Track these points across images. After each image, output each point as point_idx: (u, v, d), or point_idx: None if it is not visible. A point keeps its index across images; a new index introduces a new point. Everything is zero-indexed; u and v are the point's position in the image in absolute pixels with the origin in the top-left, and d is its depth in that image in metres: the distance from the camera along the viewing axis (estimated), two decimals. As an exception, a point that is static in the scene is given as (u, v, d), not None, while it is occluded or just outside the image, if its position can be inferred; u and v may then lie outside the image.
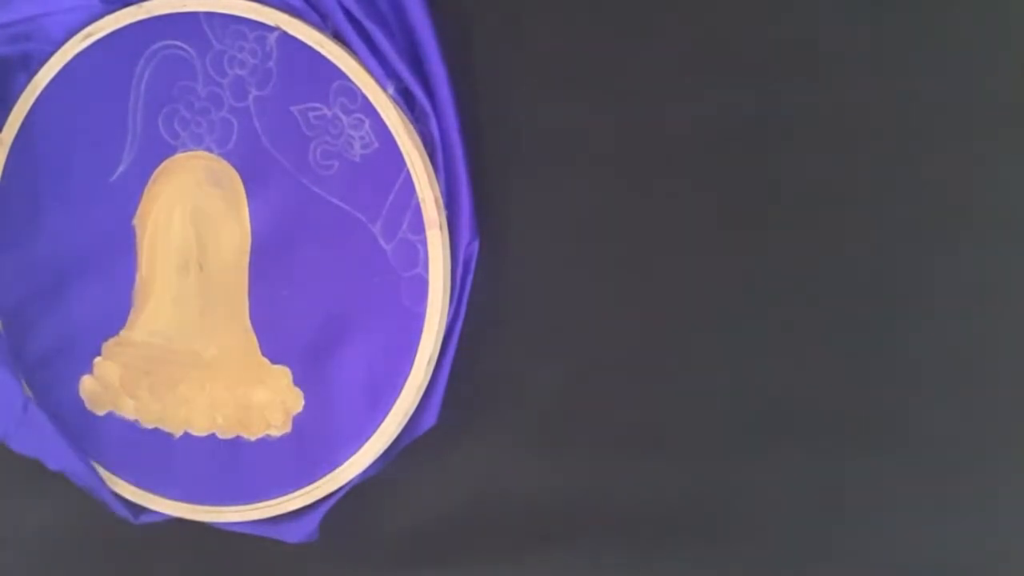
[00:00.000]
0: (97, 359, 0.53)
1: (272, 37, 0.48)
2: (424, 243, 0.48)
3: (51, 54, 0.51)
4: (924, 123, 0.44)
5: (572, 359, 0.49)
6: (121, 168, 0.51)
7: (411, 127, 0.48)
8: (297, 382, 0.50)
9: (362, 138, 0.48)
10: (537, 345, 0.50)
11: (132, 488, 0.53)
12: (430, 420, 0.50)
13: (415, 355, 0.48)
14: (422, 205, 0.47)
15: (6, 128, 0.52)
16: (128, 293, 0.52)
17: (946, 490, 0.46)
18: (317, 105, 0.48)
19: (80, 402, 0.53)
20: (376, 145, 0.48)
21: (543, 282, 0.49)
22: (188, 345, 0.52)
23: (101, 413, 0.53)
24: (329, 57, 0.48)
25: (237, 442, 0.52)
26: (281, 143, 0.49)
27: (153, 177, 0.51)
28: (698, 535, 0.49)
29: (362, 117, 0.48)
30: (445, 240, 0.48)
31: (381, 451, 0.50)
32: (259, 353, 0.51)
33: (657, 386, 0.48)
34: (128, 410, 0.53)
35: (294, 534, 0.52)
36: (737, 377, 0.47)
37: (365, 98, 0.47)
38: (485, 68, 0.49)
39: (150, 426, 0.53)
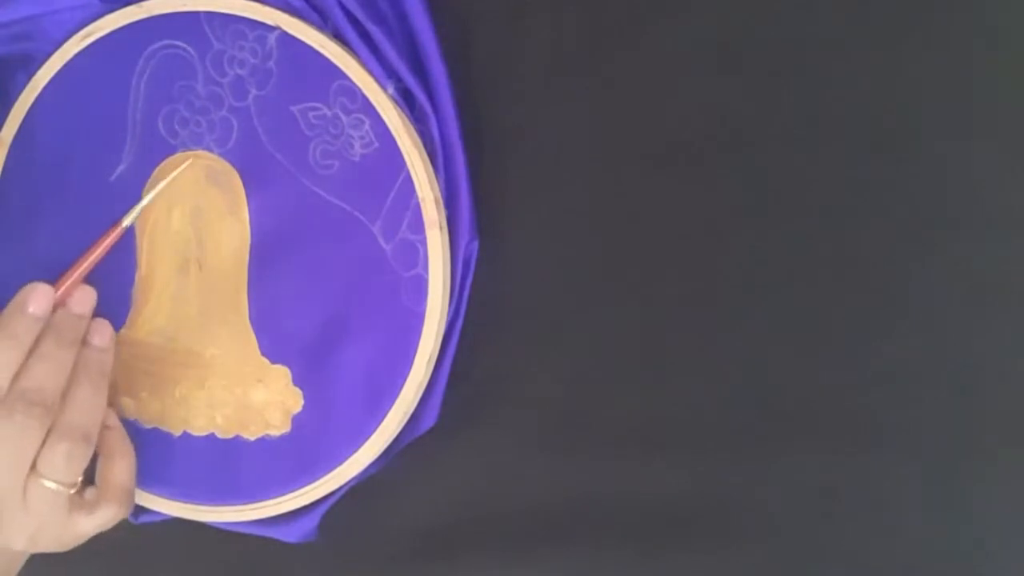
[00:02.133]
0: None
1: (272, 37, 0.48)
2: (424, 243, 0.48)
3: (51, 54, 0.51)
4: (923, 122, 0.44)
5: (572, 359, 0.49)
6: (121, 167, 0.51)
7: (411, 127, 0.48)
8: (297, 382, 0.50)
9: (362, 138, 0.48)
10: (537, 345, 0.50)
11: (132, 488, 0.53)
12: (430, 420, 0.50)
13: (415, 355, 0.48)
14: (422, 205, 0.47)
15: (6, 128, 0.52)
16: (127, 293, 0.52)
17: (946, 490, 0.46)
18: (317, 105, 0.48)
19: (80, 402, 0.53)
20: (376, 145, 0.48)
21: (543, 282, 0.49)
22: (187, 345, 0.52)
23: (100, 413, 0.53)
24: (329, 57, 0.48)
25: (236, 442, 0.52)
26: (281, 143, 0.49)
27: (153, 177, 0.51)
28: (698, 535, 0.49)
29: (362, 117, 0.48)
30: (445, 240, 0.48)
31: (381, 451, 0.50)
32: (258, 353, 0.51)
33: (657, 386, 0.48)
34: (128, 410, 0.53)
35: (293, 534, 0.52)
36: (737, 377, 0.47)
37: (365, 98, 0.47)
38: (485, 68, 0.49)
39: (149, 426, 0.53)
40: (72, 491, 0.47)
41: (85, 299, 0.50)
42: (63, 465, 0.46)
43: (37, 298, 0.47)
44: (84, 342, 0.49)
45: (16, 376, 0.46)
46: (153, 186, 0.51)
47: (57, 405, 0.47)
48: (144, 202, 0.50)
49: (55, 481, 0.46)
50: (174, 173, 0.50)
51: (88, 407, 0.48)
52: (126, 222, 0.50)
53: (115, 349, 0.52)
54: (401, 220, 0.48)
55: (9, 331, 0.46)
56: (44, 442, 0.46)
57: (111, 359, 0.50)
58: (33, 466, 0.46)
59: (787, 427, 0.47)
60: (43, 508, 0.47)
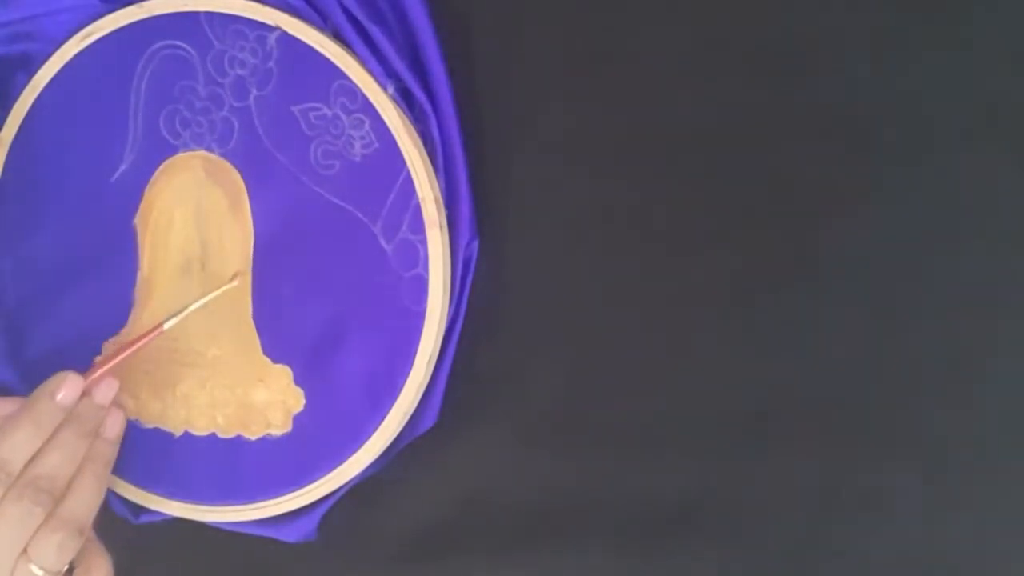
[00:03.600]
0: (98, 359, 0.53)
1: (272, 37, 0.48)
2: (424, 243, 0.48)
3: (51, 54, 0.51)
4: (924, 123, 0.44)
5: (572, 359, 0.49)
6: (122, 168, 0.51)
7: (411, 127, 0.48)
8: (298, 381, 0.51)
9: (362, 138, 0.48)
10: (537, 345, 0.50)
11: (132, 488, 0.53)
12: (430, 420, 0.50)
13: (415, 355, 0.48)
14: (422, 205, 0.47)
15: (6, 128, 0.52)
16: (129, 293, 0.52)
17: (946, 490, 0.46)
18: (317, 105, 0.48)
19: (80, 402, 0.53)
20: (376, 145, 0.48)
21: (543, 282, 0.49)
22: (189, 344, 0.52)
23: (101, 413, 0.53)
24: (329, 57, 0.48)
25: (237, 442, 0.52)
26: (282, 143, 0.49)
27: (154, 177, 0.51)
28: (698, 535, 0.49)
29: (362, 117, 0.48)
30: (445, 240, 0.48)
31: (381, 450, 0.50)
32: (260, 352, 0.51)
33: (657, 386, 0.48)
34: (128, 410, 0.53)
35: (294, 534, 0.52)
36: (737, 376, 0.47)
37: (365, 98, 0.47)
38: (485, 68, 0.49)
39: (150, 426, 0.53)
40: None
41: (109, 391, 0.50)
42: (54, 555, 0.46)
43: (67, 388, 0.48)
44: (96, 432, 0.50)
45: (31, 460, 0.47)
46: (154, 186, 0.51)
47: (63, 494, 0.47)
48: (188, 311, 0.50)
49: (43, 569, 0.46)
50: (218, 291, 0.50)
51: (88, 499, 0.48)
52: (167, 325, 0.51)
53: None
54: (401, 220, 0.48)
55: (34, 416, 0.47)
56: (39, 528, 0.46)
57: (117, 452, 0.51)
58: (24, 550, 0.46)
59: (787, 427, 0.47)
60: None
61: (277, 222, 0.50)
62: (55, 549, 0.46)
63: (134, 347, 0.50)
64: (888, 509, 0.46)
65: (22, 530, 0.46)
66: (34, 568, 0.46)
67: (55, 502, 0.47)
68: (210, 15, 0.49)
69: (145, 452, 0.52)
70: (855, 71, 0.44)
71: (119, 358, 0.50)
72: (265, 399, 0.51)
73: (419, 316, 0.48)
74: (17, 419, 0.47)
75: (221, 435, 0.52)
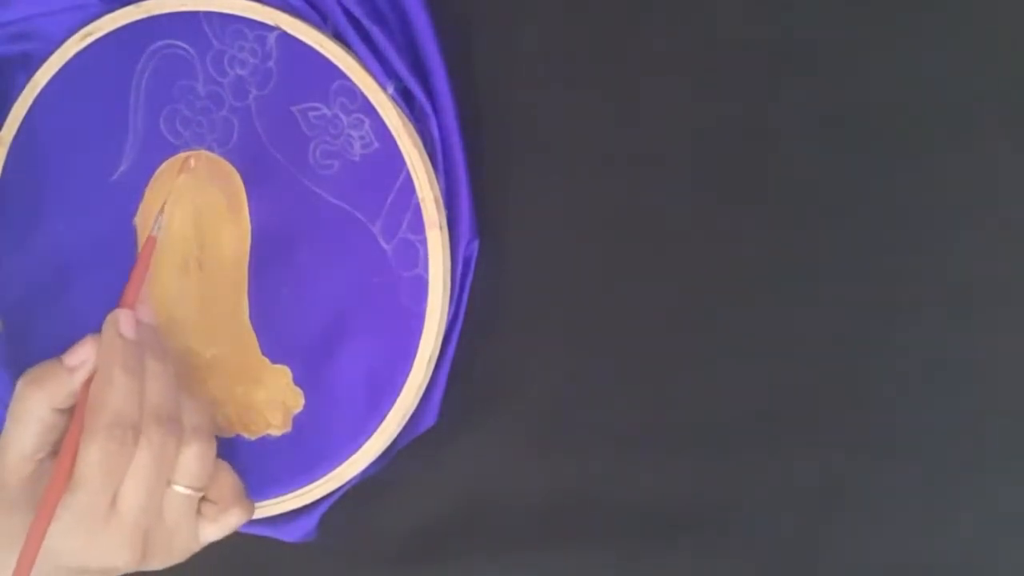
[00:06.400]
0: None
1: (272, 37, 0.48)
2: (424, 243, 0.48)
3: (51, 54, 0.51)
4: (924, 122, 0.44)
5: (572, 359, 0.49)
6: (122, 167, 0.51)
7: (411, 127, 0.48)
8: (297, 381, 0.50)
9: (362, 138, 0.48)
10: (537, 345, 0.50)
11: (132, 488, 0.53)
12: (430, 420, 0.50)
13: (415, 355, 0.48)
14: (422, 205, 0.47)
15: (6, 128, 0.52)
16: (128, 293, 0.52)
17: (946, 490, 0.46)
18: (317, 105, 0.48)
19: (80, 402, 0.53)
20: (376, 145, 0.48)
21: (543, 282, 0.49)
22: (188, 344, 0.52)
23: (101, 413, 0.53)
24: (329, 57, 0.48)
25: (237, 442, 0.52)
26: (281, 143, 0.49)
27: (154, 176, 0.51)
28: (697, 535, 0.49)
29: (362, 117, 0.48)
30: (445, 240, 0.48)
31: (381, 450, 0.50)
32: (259, 352, 0.51)
33: (657, 386, 0.48)
34: (128, 410, 0.53)
35: (293, 534, 0.52)
36: (737, 377, 0.47)
37: (365, 98, 0.47)
38: (485, 68, 0.49)
39: (150, 426, 0.53)
40: (201, 495, 0.48)
41: (147, 311, 0.50)
42: (197, 468, 0.47)
43: (126, 322, 0.48)
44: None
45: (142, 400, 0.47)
46: (154, 187, 0.51)
47: (179, 412, 0.47)
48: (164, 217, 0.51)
49: (188, 486, 0.47)
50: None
51: (199, 407, 0.48)
52: (155, 232, 0.51)
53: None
54: (401, 220, 0.48)
55: (119, 361, 0.46)
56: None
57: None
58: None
59: (787, 427, 0.47)
60: (178, 518, 0.47)
61: (276, 222, 0.50)
62: (197, 462, 0.47)
63: (141, 265, 0.50)
64: (888, 509, 0.46)
65: (164, 464, 0.46)
66: (180, 489, 0.47)
67: (180, 424, 0.47)
68: (210, 15, 0.49)
69: (145, 452, 0.52)
70: (855, 71, 0.44)
71: (140, 281, 0.50)
72: (264, 399, 0.51)
73: (419, 316, 0.48)
74: (107, 373, 0.46)
75: (220, 435, 0.52)
